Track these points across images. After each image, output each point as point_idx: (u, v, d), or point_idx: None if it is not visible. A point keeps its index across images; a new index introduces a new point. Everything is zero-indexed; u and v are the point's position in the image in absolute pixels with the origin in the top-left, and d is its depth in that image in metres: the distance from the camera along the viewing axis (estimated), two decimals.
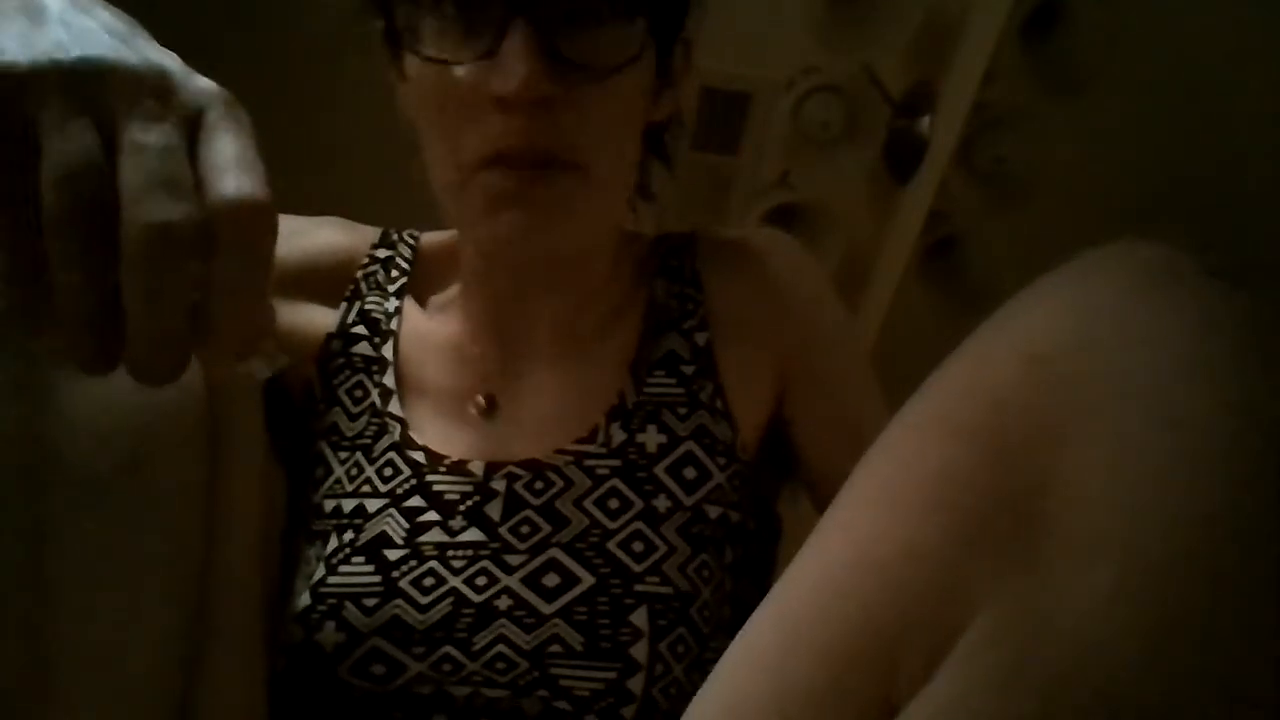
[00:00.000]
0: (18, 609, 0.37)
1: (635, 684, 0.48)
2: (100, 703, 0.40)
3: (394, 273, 0.62)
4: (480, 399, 0.57)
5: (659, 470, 0.53)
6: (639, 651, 0.48)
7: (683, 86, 0.57)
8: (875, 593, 0.35)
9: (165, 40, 0.34)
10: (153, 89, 0.31)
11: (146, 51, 0.32)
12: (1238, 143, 1.16)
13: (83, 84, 0.30)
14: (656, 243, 0.64)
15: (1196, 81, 1.13)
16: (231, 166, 0.31)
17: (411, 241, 0.64)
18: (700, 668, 0.49)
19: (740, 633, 0.40)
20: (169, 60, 0.32)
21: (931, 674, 0.33)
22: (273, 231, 0.31)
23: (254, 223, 0.30)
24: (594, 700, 0.47)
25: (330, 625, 0.49)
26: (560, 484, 0.53)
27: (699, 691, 0.40)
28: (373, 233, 0.64)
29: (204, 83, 0.33)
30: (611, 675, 0.48)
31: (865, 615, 0.35)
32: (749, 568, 0.56)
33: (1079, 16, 1.11)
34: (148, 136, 0.30)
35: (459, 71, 0.46)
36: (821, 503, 0.51)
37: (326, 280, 0.60)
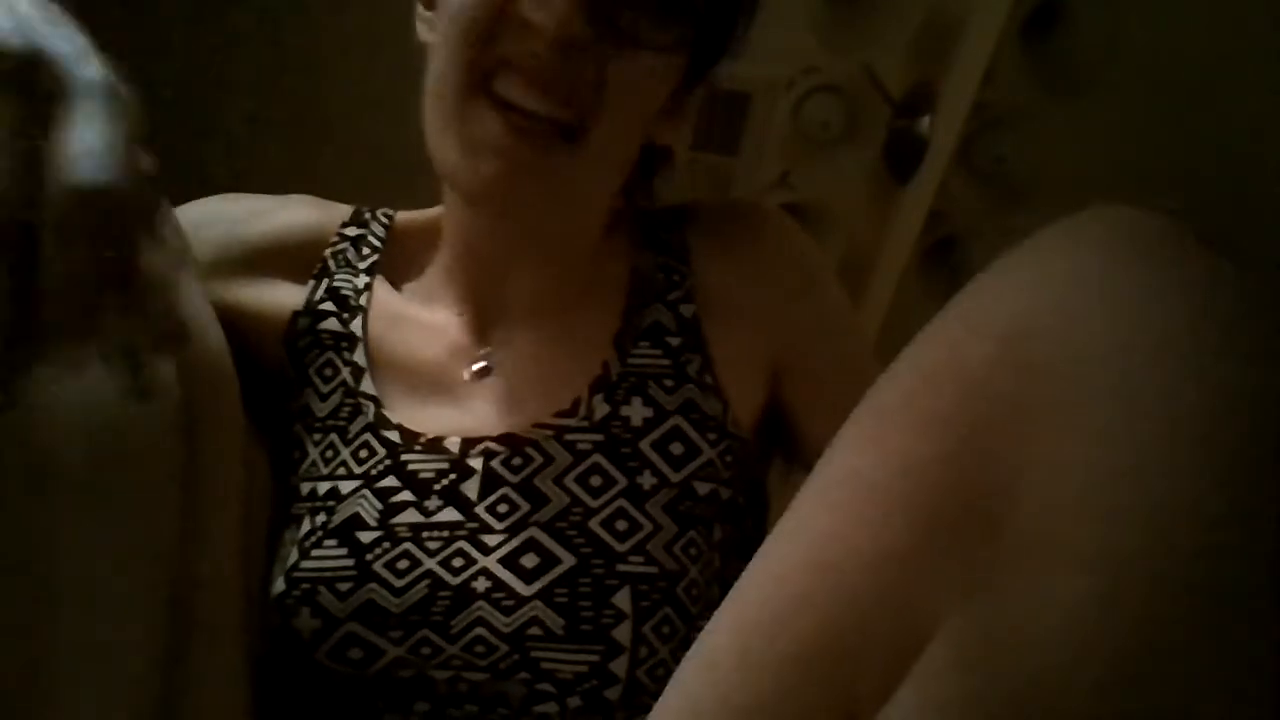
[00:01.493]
0: (13, 610, 0.37)
1: (619, 666, 0.47)
2: (98, 702, 0.39)
3: (365, 250, 0.60)
4: (473, 367, 0.56)
5: (644, 445, 0.51)
6: (622, 633, 0.47)
7: (683, 128, 0.56)
8: (833, 600, 0.33)
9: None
10: (20, 72, 0.31)
11: (39, 35, 0.32)
12: (1238, 143, 1.16)
13: None
14: (647, 215, 0.62)
15: (1196, 81, 1.13)
16: (80, 154, 0.31)
17: (385, 220, 0.62)
18: (687, 648, 0.47)
19: (700, 634, 0.39)
20: (60, 44, 0.33)
21: (893, 687, 0.31)
22: (122, 219, 0.32)
23: (94, 211, 0.31)
24: (577, 683, 0.47)
25: (305, 611, 0.48)
26: (539, 460, 0.51)
27: (660, 696, 0.39)
28: (344, 211, 0.63)
29: (88, 69, 0.33)
30: (594, 658, 0.47)
31: (822, 624, 0.33)
32: (738, 546, 0.54)
33: (1079, 16, 1.11)
34: None
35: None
36: None
37: (294, 258, 0.59)
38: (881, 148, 1.17)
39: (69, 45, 0.33)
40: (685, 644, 0.46)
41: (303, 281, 0.59)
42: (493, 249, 0.57)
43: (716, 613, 0.38)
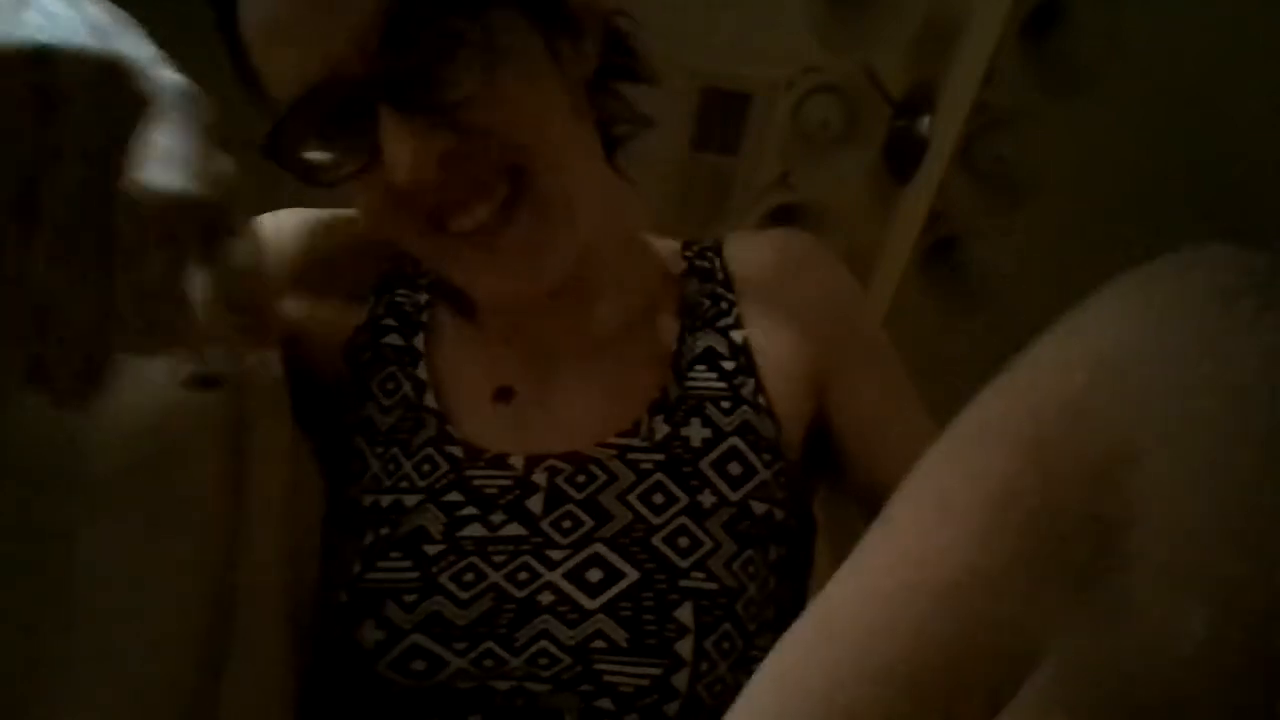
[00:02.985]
0: (18, 608, 0.37)
1: (680, 680, 0.47)
2: (109, 704, 0.39)
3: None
4: (494, 386, 0.56)
5: (704, 465, 0.53)
6: (684, 648, 0.47)
7: (592, 28, 0.53)
8: (932, 616, 0.32)
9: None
10: (101, 78, 0.32)
11: (117, 43, 0.32)
12: (1238, 143, 1.16)
13: (36, 68, 0.30)
14: (684, 246, 0.64)
15: (1197, 81, 1.13)
16: (162, 160, 0.31)
17: None
18: (745, 665, 0.48)
19: (776, 652, 0.38)
20: (136, 51, 0.33)
21: (993, 712, 0.30)
22: (200, 227, 0.32)
23: (174, 217, 0.31)
24: (638, 696, 0.47)
25: (370, 622, 0.49)
26: (603, 477, 0.52)
27: (732, 708, 0.38)
28: None
29: (164, 76, 0.33)
30: (656, 671, 0.47)
31: (919, 640, 0.32)
32: (791, 568, 0.55)
33: (1079, 16, 1.11)
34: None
35: (365, 184, 0.46)
36: (867, 513, 0.47)
37: (354, 273, 0.60)
38: (881, 148, 1.17)
39: (144, 52, 0.33)
40: (743, 661, 0.49)
41: (364, 296, 0.59)
42: (518, 313, 0.57)
43: (793, 629, 0.38)
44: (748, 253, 0.62)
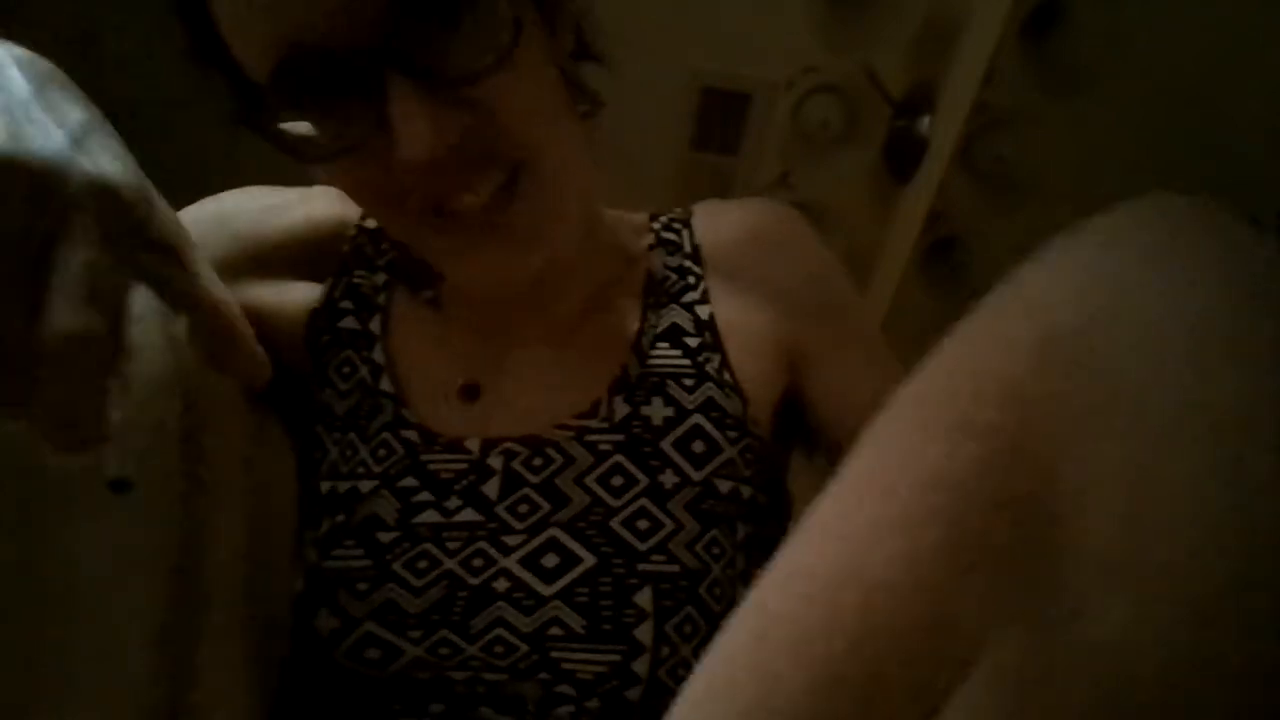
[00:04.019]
0: (9, 609, 0.37)
1: (640, 666, 0.46)
2: (99, 703, 0.39)
3: (384, 245, 0.59)
4: (461, 383, 0.54)
5: (665, 444, 0.51)
6: (643, 633, 0.47)
7: (566, 6, 0.51)
8: (861, 613, 0.31)
9: None
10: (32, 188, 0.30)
11: (22, 139, 0.30)
12: (1238, 143, 1.16)
13: None
14: (651, 219, 0.62)
15: (1197, 81, 1.13)
16: (61, 293, 0.30)
17: None
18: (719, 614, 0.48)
19: (716, 648, 0.37)
20: (48, 144, 0.31)
21: (933, 711, 0.30)
22: (99, 362, 0.31)
23: (74, 355, 0.30)
24: (597, 684, 0.46)
25: (324, 610, 0.48)
26: (560, 460, 0.51)
27: (670, 707, 0.37)
28: None
29: (88, 182, 0.31)
30: (615, 658, 0.46)
31: (854, 646, 0.31)
32: (762, 545, 0.54)
33: (1079, 16, 1.11)
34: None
35: (360, 159, 0.43)
36: None
37: (314, 255, 0.57)
38: (881, 148, 1.17)
39: (56, 142, 0.31)
40: (707, 643, 0.46)
41: (322, 278, 0.58)
42: (486, 299, 0.56)
43: (734, 622, 0.37)
44: (718, 225, 0.60)
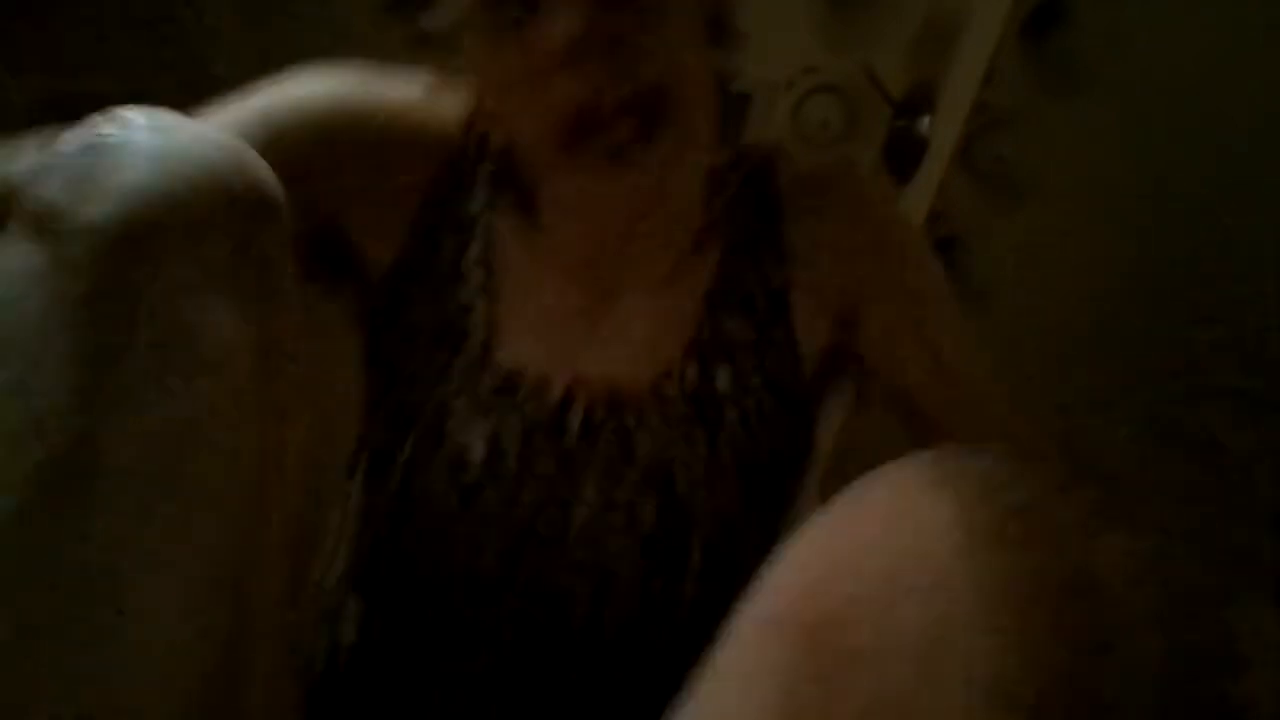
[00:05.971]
0: (60, 605, 0.38)
1: (681, 610, 0.52)
2: (150, 683, 0.40)
3: (487, 165, 0.59)
4: (551, 319, 0.56)
5: (728, 409, 0.55)
6: (691, 578, 0.52)
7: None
8: None
9: None
10: None
11: None
12: (1238, 143, 1.16)
13: None
14: (733, 164, 0.62)
15: (1197, 81, 1.13)
16: None
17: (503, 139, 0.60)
18: (743, 579, 0.52)
19: None
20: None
21: None
22: None
23: None
24: (645, 620, 0.51)
25: (409, 529, 0.53)
26: (634, 415, 0.54)
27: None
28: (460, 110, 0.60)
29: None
30: (665, 599, 0.52)
31: None
32: (791, 495, 0.59)
33: (1079, 16, 1.11)
34: None
35: (505, 40, 0.45)
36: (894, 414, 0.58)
37: (404, 167, 0.57)
38: (881, 148, 1.17)
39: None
40: (741, 575, 0.51)
41: (414, 195, 0.58)
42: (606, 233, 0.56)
43: None
44: (800, 184, 0.61)
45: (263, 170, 0.44)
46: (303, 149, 0.53)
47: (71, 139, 0.39)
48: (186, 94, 0.45)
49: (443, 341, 0.55)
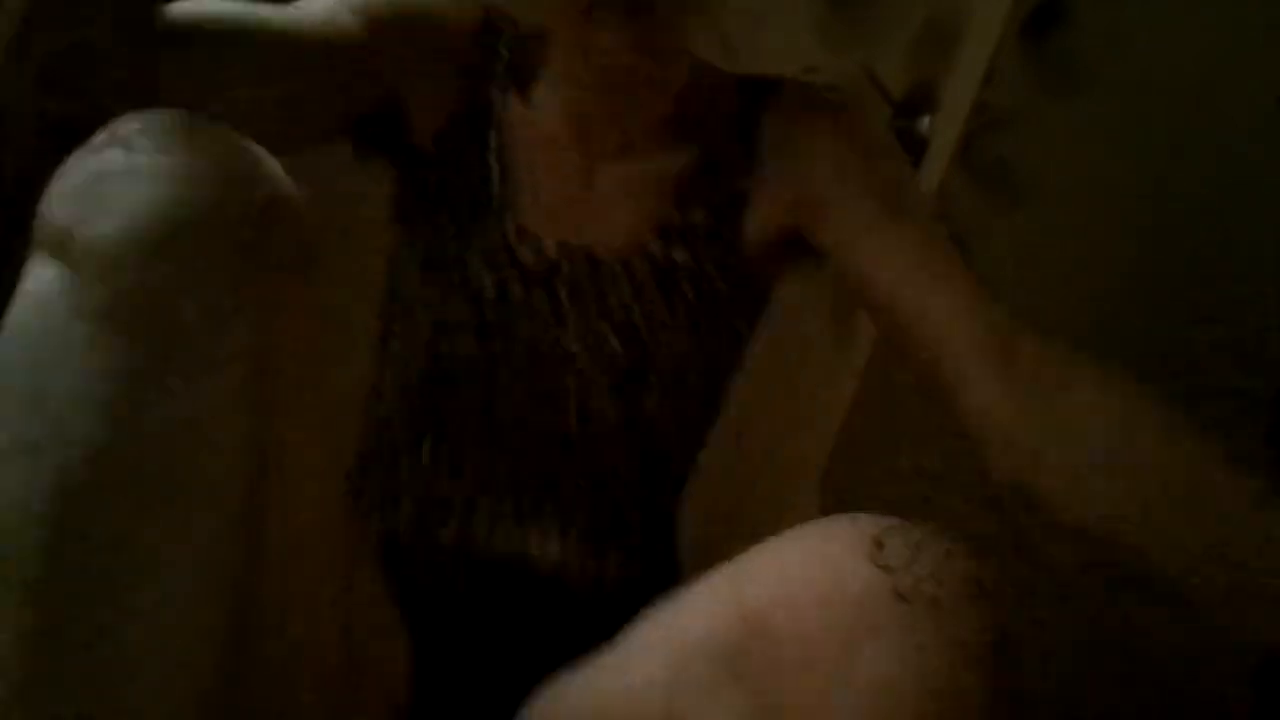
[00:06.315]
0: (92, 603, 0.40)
1: (646, 418, 0.67)
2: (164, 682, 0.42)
3: (502, 50, 0.70)
4: (552, 194, 0.67)
5: (683, 281, 0.67)
6: (652, 398, 0.67)
7: None
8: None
9: None
10: None
11: None
12: (1238, 143, 1.16)
13: None
14: (742, 83, 0.72)
15: (1197, 81, 1.13)
16: None
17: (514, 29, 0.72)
18: (706, 410, 0.72)
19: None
20: None
21: None
22: None
23: None
24: (618, 425, 0.66)
25: (441, 361, 0.66)
26: (609, 278, 0.66)
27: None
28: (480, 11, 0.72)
29: None
30: (632, 411, 0.67)
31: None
32: (742, 335, 0.73)
33: (1079, 16, 1.11)
34: None
35: None
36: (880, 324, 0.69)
37: (444, 44, 0.69)
38: None
39: None
40: (705, 405, 0.72)
41: (451, 72, 0.69)
42: (599, 85, 0.65)
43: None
44: (791, 97, 0.71)
45: (270, 170, 0.46)
46: (383, 22, 0.64)
47: (78, 166, 0.42)
48: None
49: (464, 205, 0.67)
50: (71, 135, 0.42)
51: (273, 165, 0.47)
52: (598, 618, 0.56)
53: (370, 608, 0.61)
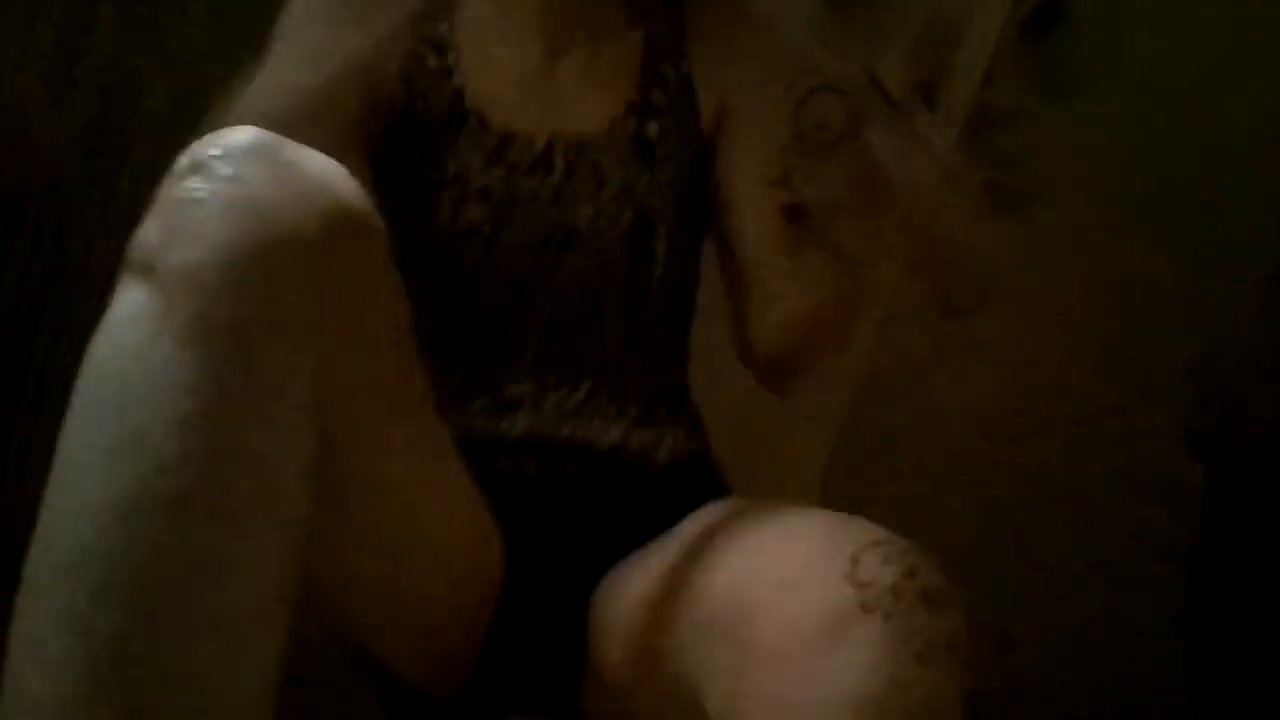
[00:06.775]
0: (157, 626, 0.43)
1: (654, 276, 0.75)
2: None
3: None
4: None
5: (658, 149, 0.75)
6: (659, 263, 0.75)
7: None
8: None
9: None
10: None
11: None
12: (1237, 143, 1.16)
13: None
14: None
15: (1197, 81, 1.13)
16: None
17: None
18: (687, 262, 0.79)
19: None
20: None
21: None
22: None
23: None
24: (629, 284, 0.74)
25: (470, 245, 0.72)
26: (599, 154, 0.73)
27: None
28: None
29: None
30: (642, 271, 0.75)
31: None
32: (707, 211, 0.81)
33: (1079, 16, 1.11)
34: None
35: None
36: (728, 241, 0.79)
37: None
38: None
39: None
40: (686, 257, 0.79)
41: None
42: None
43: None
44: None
45: (346, 188, 0.49)
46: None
47: (166, 195, 0.46)
48: None
49: (448, 122, 0.73)
50: (101, 139, 0.44)
51: (349, 183, 0.50)
52: (655, 499, 0.68)
53: (468, 503, 0.65)
